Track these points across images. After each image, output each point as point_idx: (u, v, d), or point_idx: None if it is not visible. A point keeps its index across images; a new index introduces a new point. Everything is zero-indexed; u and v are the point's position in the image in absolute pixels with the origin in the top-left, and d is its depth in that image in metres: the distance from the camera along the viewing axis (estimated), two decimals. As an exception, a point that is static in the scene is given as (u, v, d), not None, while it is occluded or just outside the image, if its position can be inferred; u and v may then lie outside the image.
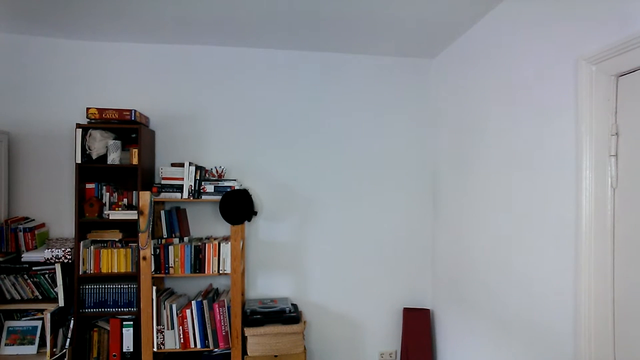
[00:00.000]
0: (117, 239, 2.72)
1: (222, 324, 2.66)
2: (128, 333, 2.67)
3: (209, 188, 2.73)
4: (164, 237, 2.81)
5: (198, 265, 2.67)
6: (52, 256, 2.59)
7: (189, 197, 2.69)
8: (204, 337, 2.65)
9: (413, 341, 3.07)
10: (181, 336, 2.63)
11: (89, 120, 2.64)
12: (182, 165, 2.72)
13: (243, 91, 3.09)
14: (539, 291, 1.99)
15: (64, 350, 2.63)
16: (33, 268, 2.66)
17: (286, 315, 2.74)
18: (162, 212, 2.82)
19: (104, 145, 2.67)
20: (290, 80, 3.14)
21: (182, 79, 3.02)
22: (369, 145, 3.21)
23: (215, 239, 2.87)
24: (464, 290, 2.74)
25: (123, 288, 2.69)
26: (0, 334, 2.65)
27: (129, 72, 2.97)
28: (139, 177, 2.65)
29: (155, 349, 2.60)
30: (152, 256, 2.62)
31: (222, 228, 3.04)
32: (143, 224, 2.54)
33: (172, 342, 2.63)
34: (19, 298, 2.65)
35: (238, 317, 2.63)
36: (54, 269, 2.62)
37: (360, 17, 2.51)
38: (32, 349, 2.63)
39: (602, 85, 1.65)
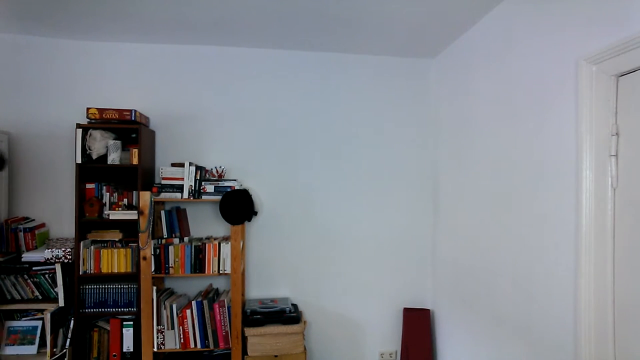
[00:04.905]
0: (117, 239, 2.72)
1: (222, 324, 2.66)
2: (128, 333, 2.67)
3: (209, 188, 2.73)
4: (164, 237, 2.80)
5: (198, 265, 2.67)
6: (52, 256, 2.60)
7: (189, 197, 2.69)
8: (204, 337, 2.65)
9: (413, 341, 3.07)
10: (181, 336, 2.63)
11: (89, 120, 2.64)
12: (182, 165, 2.72)
13: (243, 91, 3.09)
14: (539, 291, 1.99)
15: (64, 350, 2.63)
16: (33, 268, 2.66)
17: (286, 315, 2.74)
18: (162, 212, 2.82)
19: (104, 145, 2.67)
20: (290, 80, 3.14)
21: (182, 79, 3.02)
22: (370, 144, 3.21)
23: (215, 239, 2.87)
24: (464, 291, 2.74)
25: (123, 288, 2.69)
26: (1, 334, 2.65)
27: (129, 72, 2.97)
28: (139, 177, 2.65)
29: (155, 349, 2.60)
30: (152, 256, 2.62)
31: (222, 228, 3.04)
32: (143, 224, 2.54)
33: (172, 342, 2.63)
34: (19, 298, 2.65)
35: (238, 317, 2.63)
36: (54, 269, 2.62)
37: (360, 17, 2.51)
38: (32, 349, 2.63)
39: (602, 85, 1.65)
